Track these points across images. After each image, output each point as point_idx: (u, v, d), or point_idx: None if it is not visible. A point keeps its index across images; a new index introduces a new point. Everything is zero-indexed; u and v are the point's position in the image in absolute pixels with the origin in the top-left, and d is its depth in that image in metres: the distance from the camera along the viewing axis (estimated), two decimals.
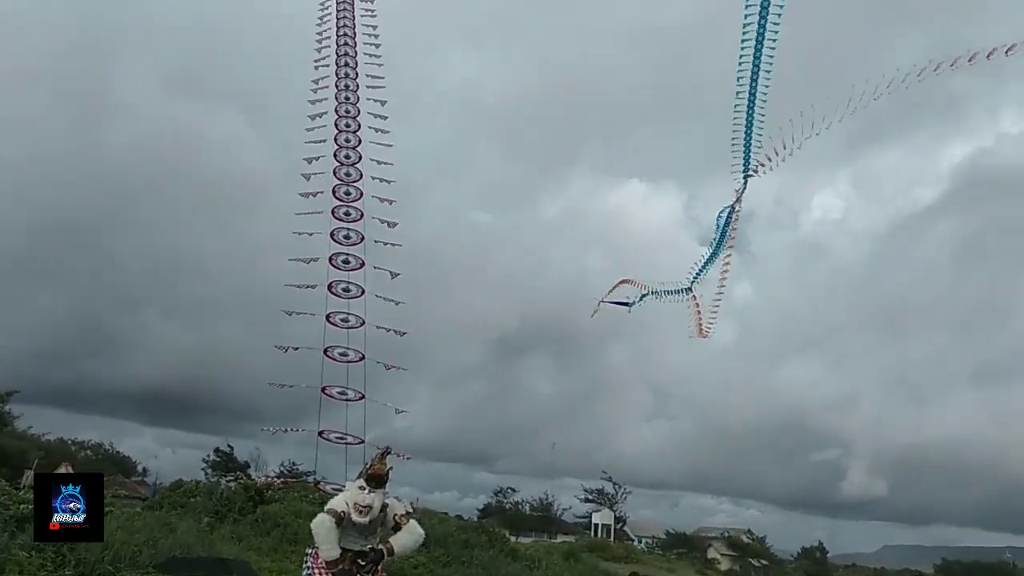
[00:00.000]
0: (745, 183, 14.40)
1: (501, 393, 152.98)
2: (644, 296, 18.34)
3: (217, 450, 49.92)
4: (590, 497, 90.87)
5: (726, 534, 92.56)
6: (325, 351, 23.36)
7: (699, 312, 16.41)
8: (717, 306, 16.38)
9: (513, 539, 54.23)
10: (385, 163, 25.94)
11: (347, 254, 24.43)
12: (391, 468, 8.12)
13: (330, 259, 24.33)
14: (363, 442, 21.81)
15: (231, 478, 41.00)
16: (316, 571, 7.42)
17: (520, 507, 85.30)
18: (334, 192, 25.16)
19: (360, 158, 25.52)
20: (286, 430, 25.93)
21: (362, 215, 24.83)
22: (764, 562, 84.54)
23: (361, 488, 7.64)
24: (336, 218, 24.82)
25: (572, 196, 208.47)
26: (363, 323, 24.28)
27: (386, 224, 25.27)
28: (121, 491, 42.39)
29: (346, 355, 23.70)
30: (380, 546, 7.65)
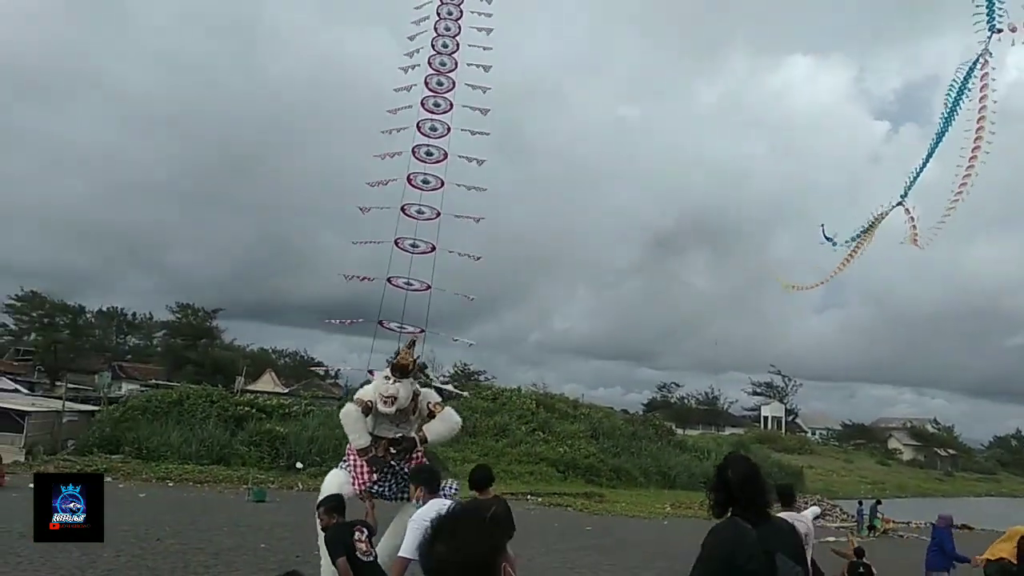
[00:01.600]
0: (989, 39, 10.32)
1: (661, 290, 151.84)
2: (850, 240, 15.27)
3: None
4: (758, 390, 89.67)
5: (908, 424, 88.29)
6: (396, 242, 23.86)
7: (914, 223, 13.65)
8: (950, 212, 12.92)
9: (680, 432, 55.10)
10: (485, 47, 25.45)
11: (429, 146, 24.36)
12: (418, 358, 8.05)
13: (413, 151, 24.48)
14: (423, 331, 22.28)
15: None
16: (351, 457, 7.52)
17: (685, 401, 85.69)
18: (426, 83, 25.06)
19: (458, 46, 25.23)
20: (345, 321, 26.71)
21: (451, 106, 24.66)
22: (951, 451, 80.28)
23: (387, 378, 7.57)
24: (425, 109, 24.81)
25: (728, 80, 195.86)
26: (439, 215, 24.43)
27: (478, 111, 24.86)
28: (319, 392, 47.03)
29: (416, 246, 24.04)
30: (413, 434, 7.61)
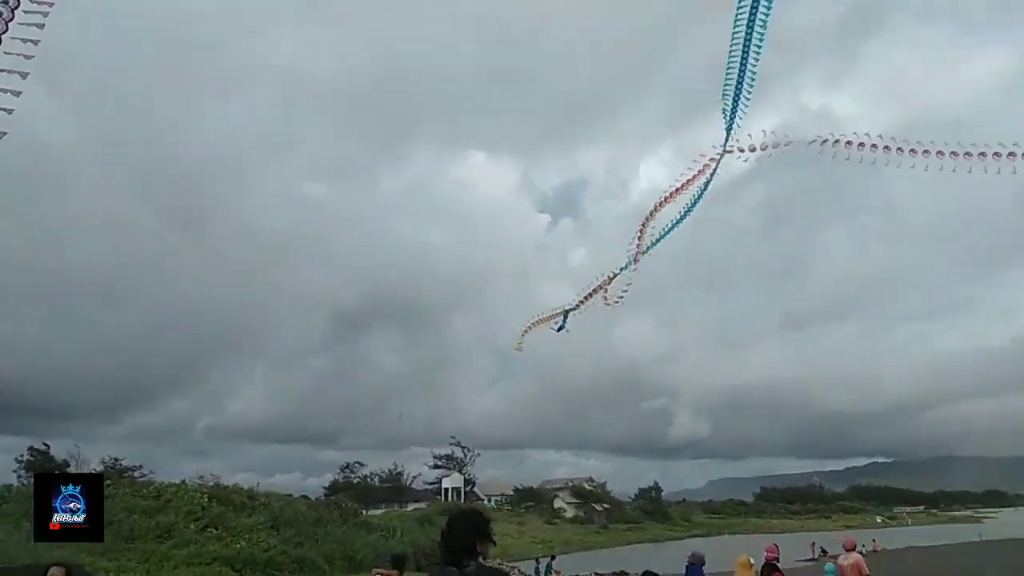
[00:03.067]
0: (720, 157, 12.90)
1: (342, 369, 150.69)
2: (569, 312, 17.38)
3: (31, 449, 45.59)
4: (439, 463, 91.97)
5: (570, 484, 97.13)
6: None
7: (609, 283, 15.77)
8: (627, 287, 15.31)
9: (364, 512, 54.06)
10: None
11: None
12: None
13: None
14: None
15: None
16: None
17: (369, 480, 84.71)
18: None
19: None
20: None
21: None
22: (606, 506, 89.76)
23: None
24: None
25: (414, 170, 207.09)
26: None
27: None
28: None
29: None
30: None
